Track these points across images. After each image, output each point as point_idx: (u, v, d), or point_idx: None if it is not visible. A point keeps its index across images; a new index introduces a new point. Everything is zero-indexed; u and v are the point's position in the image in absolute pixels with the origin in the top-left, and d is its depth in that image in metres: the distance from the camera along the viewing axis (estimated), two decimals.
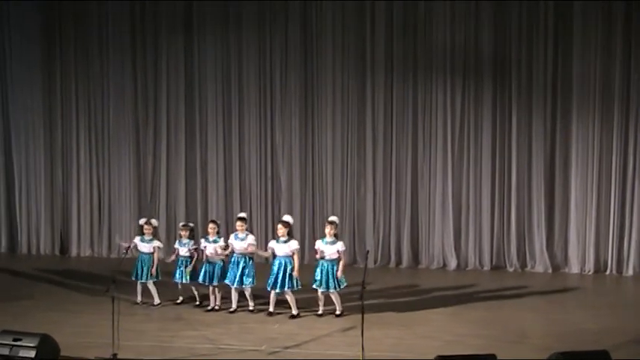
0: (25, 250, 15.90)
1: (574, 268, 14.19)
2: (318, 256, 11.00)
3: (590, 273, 14.07)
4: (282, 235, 11.01)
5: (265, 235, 14.98)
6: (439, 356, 8.03)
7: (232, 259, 11.22)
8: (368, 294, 10.55)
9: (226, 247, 11.32)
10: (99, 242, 15.71)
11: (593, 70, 13.93)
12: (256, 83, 15.02)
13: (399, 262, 14.78)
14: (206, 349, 9.47)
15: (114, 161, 15.60)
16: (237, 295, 11.27)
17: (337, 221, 11.30)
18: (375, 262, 14.59)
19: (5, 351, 8.51)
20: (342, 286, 10.95)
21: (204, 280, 11.38)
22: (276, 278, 10.93)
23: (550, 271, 14.18)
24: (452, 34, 14.31)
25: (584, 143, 14.09)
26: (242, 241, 11.18)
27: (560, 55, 14.07)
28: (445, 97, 14.45)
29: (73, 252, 15.73)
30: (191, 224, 12.17)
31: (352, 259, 14.55)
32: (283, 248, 11.00)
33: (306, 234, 14.71)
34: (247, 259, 11.19)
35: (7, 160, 15.92)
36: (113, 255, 15.37)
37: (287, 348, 9.56)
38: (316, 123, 14.92)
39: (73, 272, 14.09)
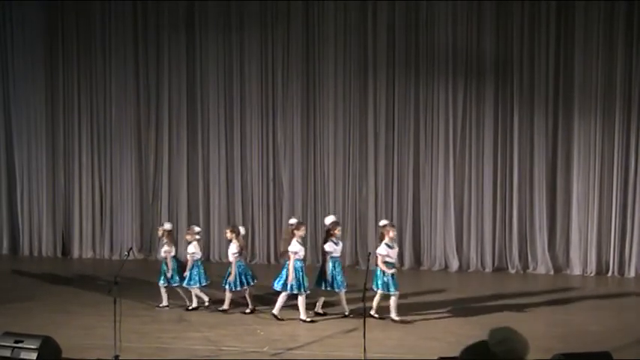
0: (26, 251, 15.89)
1: (576, 269, 14.17)
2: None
3: (592, 274, 14.05)
4: (338, 236, 11.06)
5: (267, 235, 14.99)
6: (441, 358, 8.00)
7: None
8: (370, 296, 10.57)
9: (241, 251, 11.27)
10: (101, 244, 15.69)
11: (595, 69, 13.92)
12: (258, 82, 15.03)
13: (401, 263, 14.72)
14: (208, 351, 9.45)
15: (115, 162, 15.60)
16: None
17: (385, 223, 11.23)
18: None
19: (7, 353, 8.48)
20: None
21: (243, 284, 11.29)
22: (333, 278, 10.93)
23: (552, 272, 14.16)
24: (454, 33, 14.31)
25: (585, 142, 14.07)
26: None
27: (562, 54, 14.06)
28: (447, 97, 14.44)
29: (75, 254, 15.72)
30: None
31: (354, 260, 14.60)
32: (339, 249, 11.10)
33: (308, 235, 14.62)
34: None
35: (8, 160, 15.91)
36: (115, 257, 15.37)
37: (289, 349, 9.53)
38: (318, 122, 14.92)
39: (75, 274, 14.09)
